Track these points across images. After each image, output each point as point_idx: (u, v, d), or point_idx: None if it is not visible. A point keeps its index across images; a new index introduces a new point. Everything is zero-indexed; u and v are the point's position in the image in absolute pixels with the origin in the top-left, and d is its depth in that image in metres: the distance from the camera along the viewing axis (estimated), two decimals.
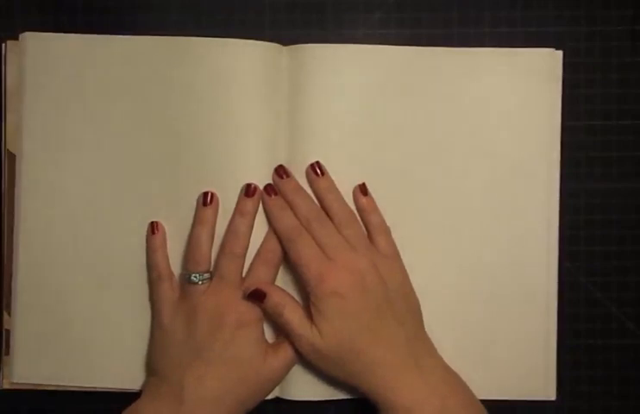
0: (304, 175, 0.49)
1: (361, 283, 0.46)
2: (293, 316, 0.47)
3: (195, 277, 0.47)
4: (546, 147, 0.50)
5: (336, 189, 0.49)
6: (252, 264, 0.49)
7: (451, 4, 0.51)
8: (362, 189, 0.49)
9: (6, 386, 0.51)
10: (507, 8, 0.51)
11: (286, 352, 0.48)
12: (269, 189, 0.48)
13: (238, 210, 0.48)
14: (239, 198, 0.49)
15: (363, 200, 0.49)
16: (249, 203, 0.48)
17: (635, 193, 0.52)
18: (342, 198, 0.49)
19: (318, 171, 0.49)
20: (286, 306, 0.47)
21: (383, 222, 0.49)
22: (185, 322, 0.47)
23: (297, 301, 0.48)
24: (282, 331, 0.48)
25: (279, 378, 0.48)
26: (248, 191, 0.48)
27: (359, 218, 0.49)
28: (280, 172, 0.49)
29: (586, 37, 0.51)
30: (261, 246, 0.49)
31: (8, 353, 0.51)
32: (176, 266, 0.50)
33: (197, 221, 0.49)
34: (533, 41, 0.51)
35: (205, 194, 0.49)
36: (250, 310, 0.47)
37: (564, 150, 0.51)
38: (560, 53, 0.50)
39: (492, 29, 0.51)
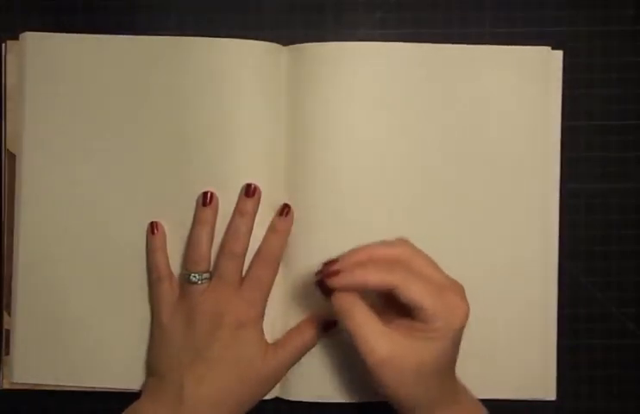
0: (302, 175, 0.49)
1: None
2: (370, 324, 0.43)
3: (194, 277, 0.47)
4: (546, 147, 0.50)
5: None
6: (251, 263, 0.49)
7: (451, 4, 0.51)
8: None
9: (6, 386, 0.51)
10: (507, 8, 0.51)
11: (286, 351, 0.48)
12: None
13: (238, 210, 0.48)
14: (239, 198, 0.49)
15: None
16: (249, 204, 0.48)
17: (635, 193, 0.52)
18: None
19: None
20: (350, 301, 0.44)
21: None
22: (184, 322, 0.47)
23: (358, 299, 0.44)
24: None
25: (279, 377, 0.48)
26: (248, 191, 0.48)
27: None
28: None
29: (586, 37, 0.51)
30: (261, 245, 0.49)
31: (8, 353, 0.51)
32: (176, 266, 0.50)
33: (196, 221, 0.49)
34: (533, 41, 0.51)
35: (205, 194, 0.49)
36: (250, 310, 0.47)
37: (564, 150, 0.51)
38: (560, 53, 0.50)
39: (492, 29, 0.51)
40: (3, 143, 0.50)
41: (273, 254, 0.48)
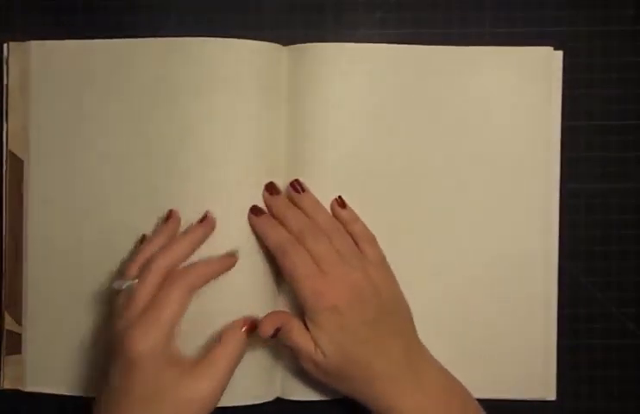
0: (302, 175, 0.49)
1: (358, 296, 0.45)
2: (301, 338, 0.46)
3: (115, 284, 0.45)
4: (546, 147, 0.50)
5: (319, 203, 0.49)
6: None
7: (451, 4, 0.51)
8: (340, 203, 0.49)
9: (6, 386, 0.51)
10: (507, 8, 0.51)
11: (207, 369, 0.44)
12: (255, 209, 0.48)
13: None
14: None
15: (343, 212, 0.49)
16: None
17: (635, 193, 0.52)
18: (327, 211, 0.49)
19: (299, 188, 0.49)
20: (294, 329, 0.46)
21: (367, 230, 0.49)
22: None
23: (293, 316, 0.47)
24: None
25: (210, 396, 0.43)
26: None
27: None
28: (270, 189, 0.49)
29: (586, 37, 0.51)
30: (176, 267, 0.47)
31: (8, 353, 0.51)
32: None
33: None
34: (533, 41, 0.51)
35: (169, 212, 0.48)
36: (144, 339, 0.43)
37: (564, 150, 0.51)
38: (560, 53, 0.50)
39: (492, 29, 0.51)
40: (4, 144, 0.50)
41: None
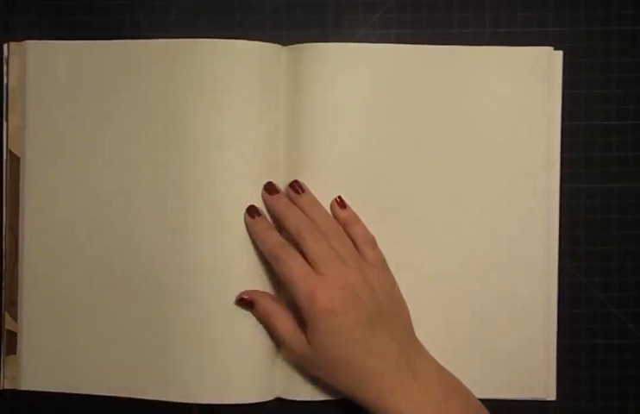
0: (302, 175, 0.49)
1: (353, 297, 0.45)
2: (284, 326, 0.47)
3: None
4: (546, 147, 0.50)
5: (319, 203, 0.49)
6: None
7: (451, 4, 0.51)
8: (340, 203, 0.49)
9: (6, 386, 0.51)
10: (507, 8, 0.51)
11: None
12: (252, 210, 0.48)
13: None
14: None
15: (343, 213, 0.49)
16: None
17: (635, 193, 0.52)
18: (326, 211, 0.49)
19: (299, 189, 0.49)
20: (277, 315, 0.47)
21: (367, 231, 0.49)
22: None
23: (287, 310, 0.48)
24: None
25: None
26: None
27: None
28: (270, 189, 0.49)
29: (586, 37, 0.51)
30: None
31: (8, 353, 0.51)
32: (180, 275, 0.49)
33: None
34: (533, 41, 0.51)
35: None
36: None
37: (564, 150, 0.51)
38: (560, 53, 0.50)
39: (492, 29, 0.51)
40: (5, 144, 0.50)
41: None
